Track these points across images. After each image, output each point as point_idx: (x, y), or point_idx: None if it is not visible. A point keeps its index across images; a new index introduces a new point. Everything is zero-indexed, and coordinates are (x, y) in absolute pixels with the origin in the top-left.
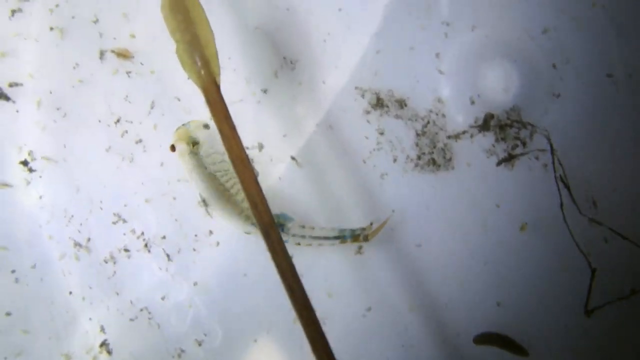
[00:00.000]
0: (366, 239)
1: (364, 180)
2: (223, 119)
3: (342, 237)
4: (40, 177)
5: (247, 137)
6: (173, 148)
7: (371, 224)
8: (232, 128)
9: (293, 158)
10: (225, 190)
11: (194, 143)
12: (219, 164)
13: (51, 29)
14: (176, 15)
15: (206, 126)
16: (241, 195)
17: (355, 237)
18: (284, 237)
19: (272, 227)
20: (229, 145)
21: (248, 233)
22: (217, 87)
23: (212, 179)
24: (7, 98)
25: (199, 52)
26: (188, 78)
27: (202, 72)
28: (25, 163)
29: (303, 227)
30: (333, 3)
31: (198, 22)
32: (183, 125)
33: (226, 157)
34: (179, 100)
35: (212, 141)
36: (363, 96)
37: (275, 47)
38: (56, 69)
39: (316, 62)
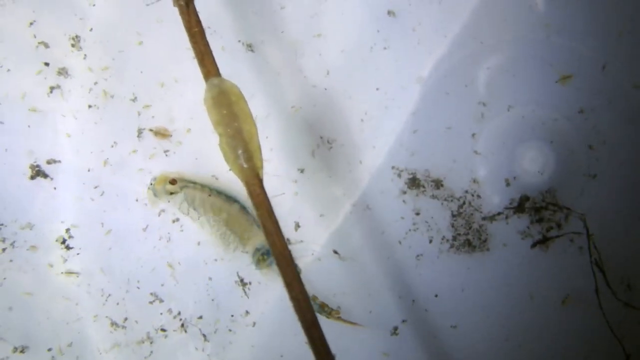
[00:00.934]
0: (327, 317)
1: (400, 261)
2: (266, 214)
3: (314, 302)
4: (78, 254)
5: (284, 218)
6: (174, 181)
7: (339, 311)
8: (276, 224)
9: (335, 252)
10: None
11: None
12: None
13: (89, 106)
14: (220, 110)
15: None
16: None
17: (320, 310)
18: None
19: (314, 326)
20: (272, 241)
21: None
22: (260, 181)
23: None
24: (45, 175)
25: (242, 146)
26: (229, 170)
27: (245, 166)
28: (62, 241)
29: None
30: (371, 83)
31: (241, 116)
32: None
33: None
34: (216, 179)
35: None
36: (399, 176)
37: (312, 126)
38: (94, 146)
39: (353, 141)
